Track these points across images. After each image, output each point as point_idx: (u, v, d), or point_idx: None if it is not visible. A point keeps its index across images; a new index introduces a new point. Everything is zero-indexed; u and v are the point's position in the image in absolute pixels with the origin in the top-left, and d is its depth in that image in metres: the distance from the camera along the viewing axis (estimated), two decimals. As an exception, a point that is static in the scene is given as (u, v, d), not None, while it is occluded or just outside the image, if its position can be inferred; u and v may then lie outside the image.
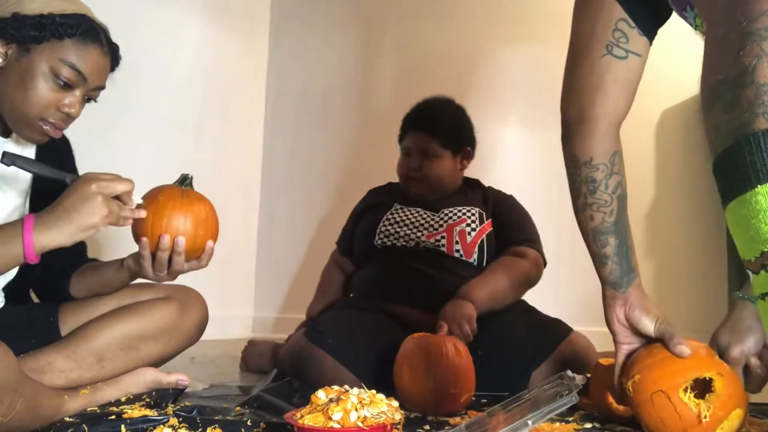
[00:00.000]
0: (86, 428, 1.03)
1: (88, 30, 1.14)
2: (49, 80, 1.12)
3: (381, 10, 3.17)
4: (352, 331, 1.58)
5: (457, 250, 1.81)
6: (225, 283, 2.97)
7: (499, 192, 2.00)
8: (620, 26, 0.97)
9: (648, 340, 1.04)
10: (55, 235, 1.03)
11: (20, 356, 1.10)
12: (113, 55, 1.21)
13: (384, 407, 0.92)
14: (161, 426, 1.05)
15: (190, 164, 2.51)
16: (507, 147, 2.82)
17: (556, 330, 1.64)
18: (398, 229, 1.87)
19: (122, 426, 1.04)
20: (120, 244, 1.16)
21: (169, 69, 2.77)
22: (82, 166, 1.38)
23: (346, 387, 0.97)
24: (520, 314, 1.72)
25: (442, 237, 1.83)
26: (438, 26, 3.02)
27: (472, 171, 2.03)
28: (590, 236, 1.07)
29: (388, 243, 1.86)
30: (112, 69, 1.22)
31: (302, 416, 0.91)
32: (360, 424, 0.88)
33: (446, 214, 1.88)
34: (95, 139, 1.88)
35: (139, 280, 1.26)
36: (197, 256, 1.19)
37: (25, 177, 1.25)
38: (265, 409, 1.23)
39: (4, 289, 1.26)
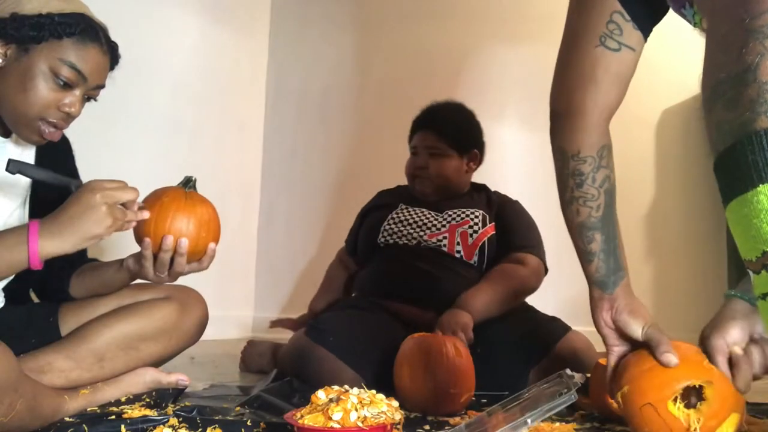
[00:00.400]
0: (86, 428, 1.03)
1: (87, 29, 1.13)
2: (49, 80, 1.11)
3: (380, 10, 3.18)
4: (353, 330, 1.59)
5: (458, 251, 1.82)
6: (225, 283, 2.97)
7: (504, 196, 2.01)
8: (615, 18, 0.96)
9: (639, 343, 0.99)
10: (59, 243, 1.04)
11: (20, 356, 1.09)
12: (112, 54, 1.20)
13: (384, 407, 0.92)
14: (161, 426, 1.05)
15: (189, 164, 2.51)
16: (507, 147, 2.82)
17: (554, 329, 1.65)
18: (401, 228, 1.88)
19: (122, 426, 1.04)
20: (121, 245, 1.16)
21: (168, 68, 2.77)
22: (82, 166, 1.38)
23: (346, 387, 0.97)
24: (519, 313, 1.74)
25: (444, 237, 1.84)
26: (437, 26, 3.02)
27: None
28: (576, 232, 1.04)
29: (391, 241, 1.87)
30: (112, 67, 1.21)
31: (302, 416, 0.91)
32: (360, 424, 0.88)
33: (450, 215, 1.89)
34: (94, 139, 1.88)
35: (139, 280, 1.26)
36: (199, 258, 1.19)
37: (25, 182, 1.24)
38: (265, 409, 1.23)
39: (4, 289, 1.26)
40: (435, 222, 1.88)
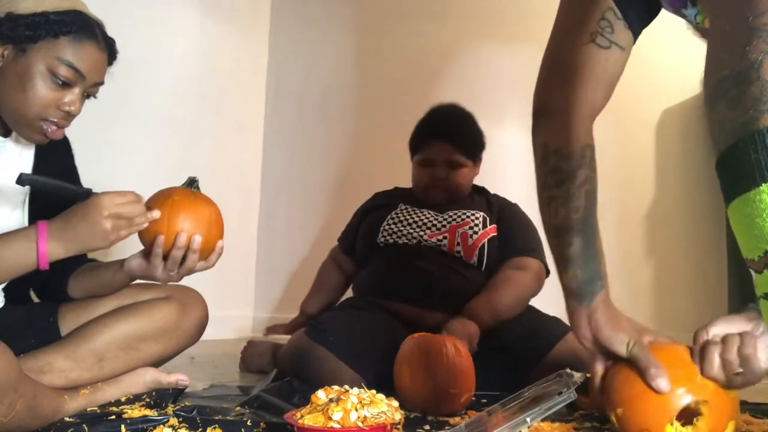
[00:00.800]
0: (86, 428, 1.03)
1: (83, 26, 1.13)
2: (48, 80, 1.11)
3: (380, 10, 3.17)
4: (353, 330, 1.59)
5: (458, 251, 1.82)
6: (224, 283, 2.97)
7: (503, 199, 2.01)
8: (607, 15, 0.96)
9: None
10: (64, 250, 1.08)
11: (20, 356, 1.09)
12: (110, 50, 1.20)
13: (384, 407, 0.92)
14: (161, 426, 1.05)
15: (189, 164, 2.50)
16: (507, 147, 2.81)
17: (554, 329, 1.65)
18: (401, 228, 1.88)
19: (122, 426, 1.03)
20: (121, 244, 1.16)
21: (168, 67, 2.76)
22: (81, 165, 1.38)
23: (346, 387, 0.97)
24: (519, 313, 1.73)
25: (444, 237, 1.84)
26: (437, 25, 3.02)
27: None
28: (554, 235, 0.99)
29: (390, 241, 1.87)
30: (110, 63, 1.21)
31: (302, 416, 0.91)
32: (360, 424, 0.88)
33: (450, 216, 1.89)
34: (93, 138, 1.87)
35: (139, 280, 1.26)
36: (206, 255, 1.20)
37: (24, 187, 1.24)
38: (265, 409, 1.23)
39: (4, 289, 1.26)
40: (435, 222, 1.88)
